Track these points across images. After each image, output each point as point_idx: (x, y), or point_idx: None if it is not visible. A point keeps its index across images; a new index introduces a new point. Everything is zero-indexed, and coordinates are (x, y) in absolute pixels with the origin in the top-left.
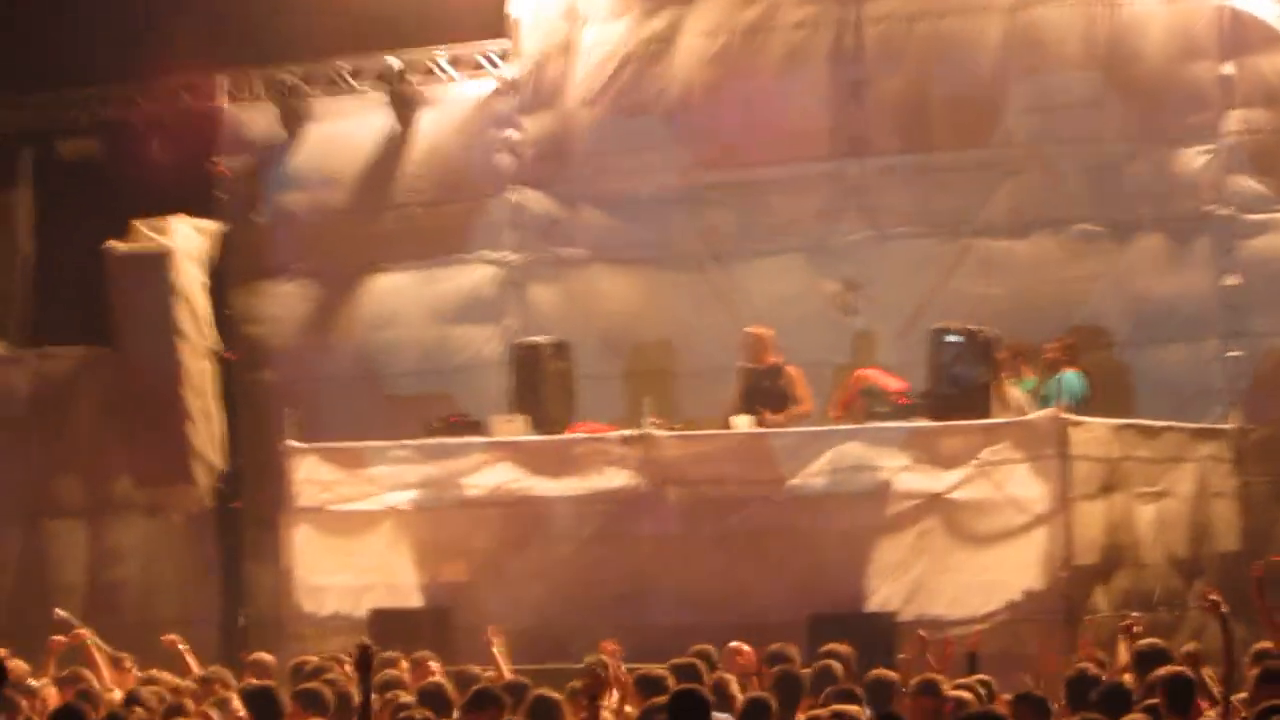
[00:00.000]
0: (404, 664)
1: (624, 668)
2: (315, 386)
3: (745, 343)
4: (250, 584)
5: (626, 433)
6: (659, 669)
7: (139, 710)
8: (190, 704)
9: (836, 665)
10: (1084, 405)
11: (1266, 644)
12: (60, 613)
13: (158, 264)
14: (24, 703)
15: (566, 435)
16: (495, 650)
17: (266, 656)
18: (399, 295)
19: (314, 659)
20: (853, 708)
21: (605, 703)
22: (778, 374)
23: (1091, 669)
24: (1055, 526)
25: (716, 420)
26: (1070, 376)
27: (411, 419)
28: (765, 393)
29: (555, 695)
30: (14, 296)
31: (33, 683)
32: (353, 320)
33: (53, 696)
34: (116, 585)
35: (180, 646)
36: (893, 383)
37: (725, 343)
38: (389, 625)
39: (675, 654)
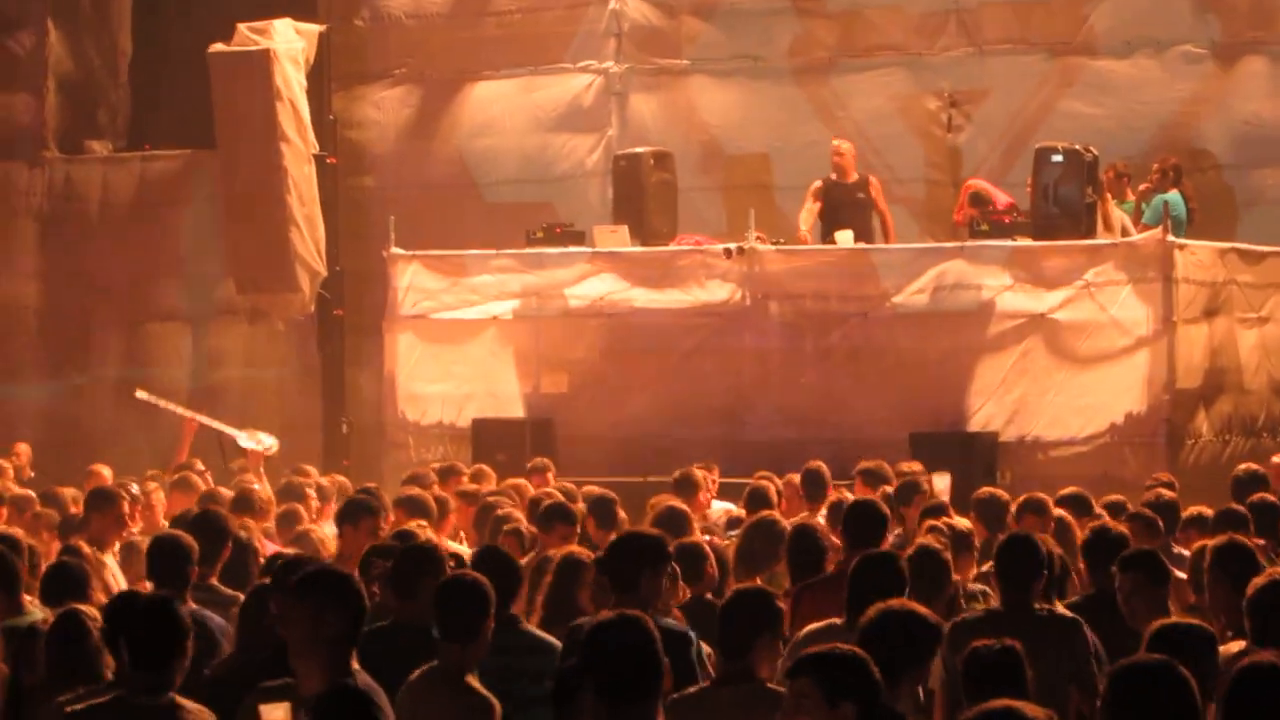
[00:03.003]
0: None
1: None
2: (415, 193)
3: (830, 155)
4: (352, 391)
5: (730, 245)
6: (765, 482)
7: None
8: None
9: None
10: (1183, 228)
11: None
12: (141, 394)
13: (260, 66)
14: (126, 506)
15: (670, 247)
16: None
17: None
18: (499, 102)
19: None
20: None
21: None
22: (864, 186)
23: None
24: (1158, 349)
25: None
26: (1173, 198)
27: (511, 228)
28: (852, 206)
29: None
30: (116, 98)
31: (135, 488)
32: (453, 127)
33: (160, 502)
34: (218, 390)
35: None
36: (1000, 195)
37: (822, 157)
38: (491, 434)
39: (773, 469)
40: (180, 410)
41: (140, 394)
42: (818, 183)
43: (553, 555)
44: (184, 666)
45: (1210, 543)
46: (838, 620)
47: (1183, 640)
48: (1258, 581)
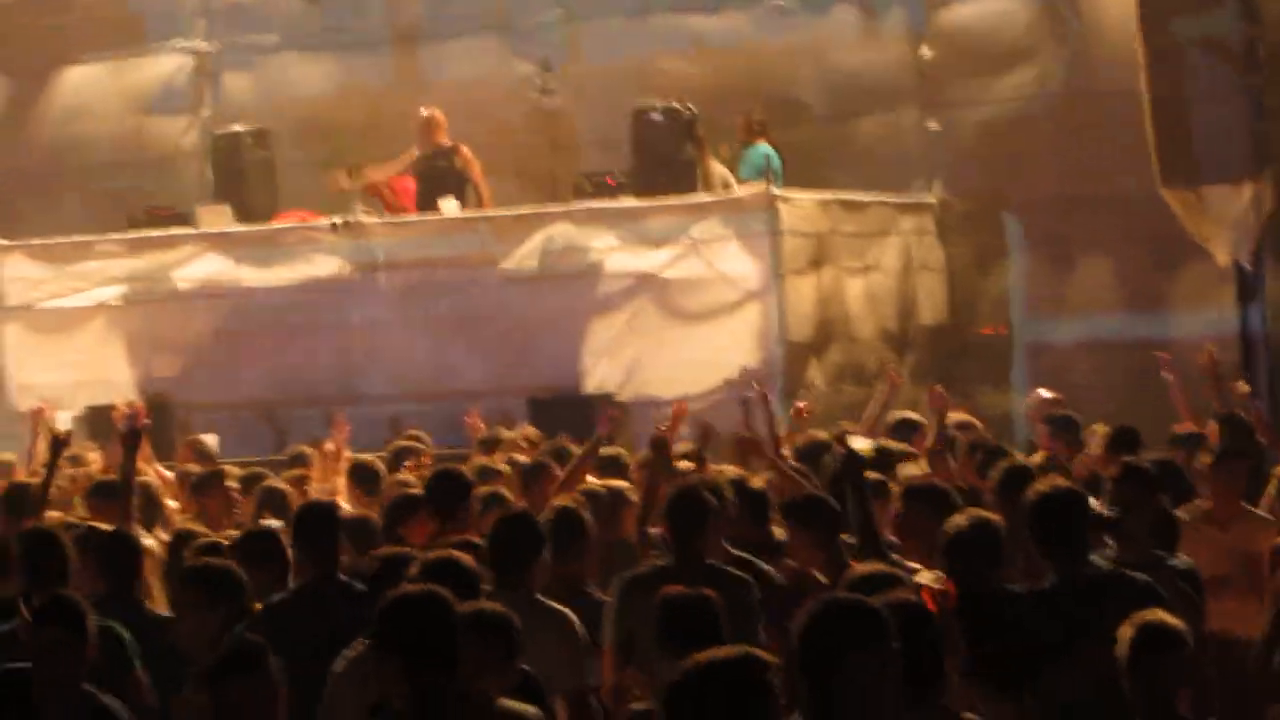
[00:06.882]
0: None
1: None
2: (12, 182)
3: (416, 126)
4: None
5: (335, 219)
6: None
7: None
8: None
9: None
10: (777, 180)
11: None
12: None
13: None
14: None
15: (275, 224)
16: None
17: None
18: (90, 87)
19: None
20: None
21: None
22: (453, 154)
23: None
24: (768, 302)
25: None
26: (767, 150)
27: (111, 213)
28: (441, 174)
29: (282, 485)
30: None
31: None
32: (44, 114)
33: None
34: None
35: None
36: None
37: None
38: (103, 421)
39: (390, 440)
40: None
41: None
42: (413, 153)
43: None
44: None
45: None
46: None
47: None
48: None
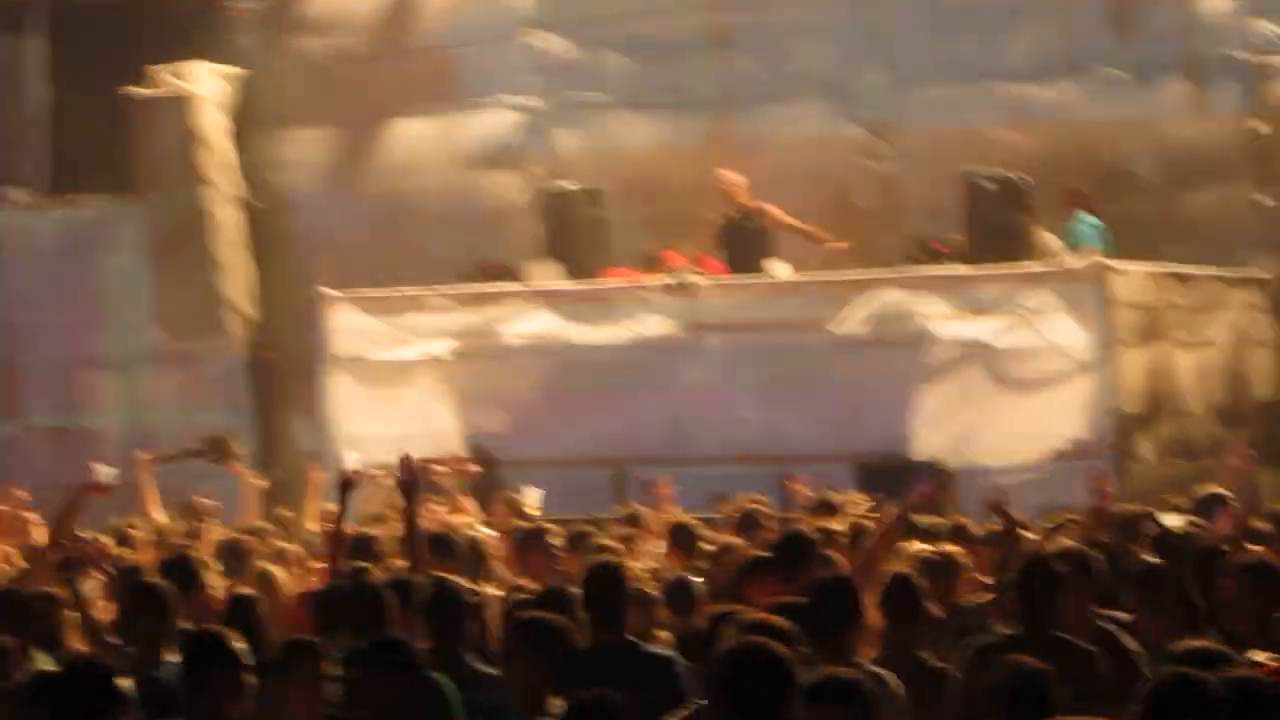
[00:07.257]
0: None
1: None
2: (343, 234)
3: (717, 190)
4: (288, 434)
5: (667, 280)
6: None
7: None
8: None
9: None
10: (1105, 251)
11: None
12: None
13: (178, 109)
14: None
15: (606, 282)
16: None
17: None
18: (421, 142)
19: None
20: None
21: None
22: (758, 215)
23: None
24: (1099, 373)
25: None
26: (1093, 220)
27: (440, 266)
28: (749, 236)
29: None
30: (31, 145)
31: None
32: (376, 166)
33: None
34: (151, 436)
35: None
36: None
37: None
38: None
39: (717, 502)
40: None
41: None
42: (718, 221)
43: None
44: None
45: None
46: None
47: None
48: None
